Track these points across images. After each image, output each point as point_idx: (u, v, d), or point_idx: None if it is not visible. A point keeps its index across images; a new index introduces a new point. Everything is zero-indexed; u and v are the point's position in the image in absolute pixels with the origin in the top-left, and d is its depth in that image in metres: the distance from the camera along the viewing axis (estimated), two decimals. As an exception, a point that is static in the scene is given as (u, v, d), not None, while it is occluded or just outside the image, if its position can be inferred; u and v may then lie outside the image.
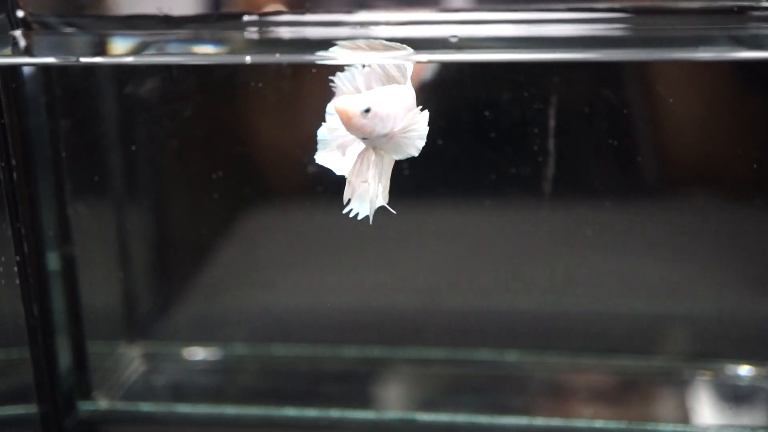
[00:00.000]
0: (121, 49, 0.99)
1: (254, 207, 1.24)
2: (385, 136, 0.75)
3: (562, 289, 1.14)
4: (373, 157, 0.77)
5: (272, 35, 0.99)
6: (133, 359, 1.26)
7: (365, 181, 0.77)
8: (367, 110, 0.74)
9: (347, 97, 0.76)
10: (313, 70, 1.06)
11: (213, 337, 1.28)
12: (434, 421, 1.12)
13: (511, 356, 1.22)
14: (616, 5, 0.94)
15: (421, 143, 0.76)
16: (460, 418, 1.12)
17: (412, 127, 0.75)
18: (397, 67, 0.78)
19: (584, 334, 1.18)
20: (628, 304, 1.17)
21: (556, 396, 1.18)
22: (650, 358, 1.20)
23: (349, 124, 0.74)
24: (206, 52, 1.00)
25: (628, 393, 1.17)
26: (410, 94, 0.78)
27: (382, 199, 0.78)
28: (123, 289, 1.26)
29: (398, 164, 0.80)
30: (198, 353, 1.27)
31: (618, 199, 1.10)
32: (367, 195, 0.77)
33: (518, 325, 1.22)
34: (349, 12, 0.97)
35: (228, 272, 1.28)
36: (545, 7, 0.94)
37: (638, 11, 0.94)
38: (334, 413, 1.14)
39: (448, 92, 0.77)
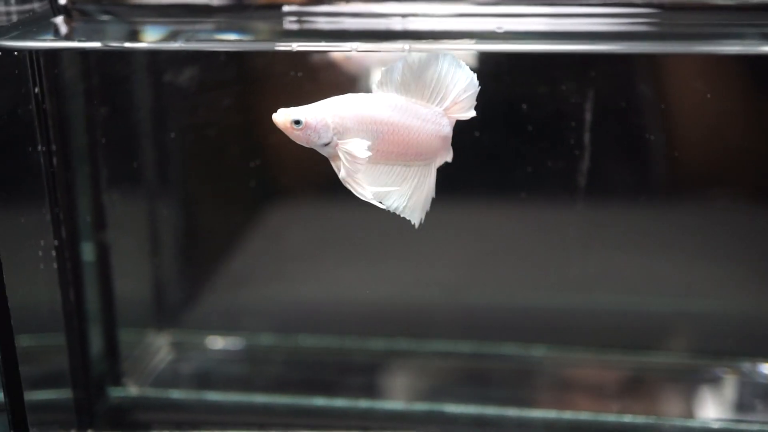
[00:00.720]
0: (156, 37, 1.00)
1: (286, 197, 1.25)
2: (328, 146, 0.75)
3: (594, 286, 1.14)
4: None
5: (312, 26, 1.00)
6: (161, 347, 1.27)
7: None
8: (297, 122, 0.74)
9: (283, 110, 0.75)
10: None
11: (240, 327, 1.28)
12: (463, 413, 1.12)
13: (538, 351, 1.22)
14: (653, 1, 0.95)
15: (364, 160, 0.74)
16: (489, 410, 1.12)
17: (353, 151, 0.75)
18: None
19: (613, 330, 1.19)
20: (658, 301, 1.18)
21: (584, 391, 1.18)
22: (677, 356, 1.20)
23: (288, 135, 0.75)
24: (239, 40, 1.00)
25: (654, 389, 1.18)
26: (378, 104, 0.76)
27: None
28: (153, 277, 1.27)
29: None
30: (225, 342, 1.28)
31: (653, 194, 1.11)
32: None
33: (546, 320, 1.22)
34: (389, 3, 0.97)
35: (256, 262, 1.29)
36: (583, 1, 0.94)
37: (672, 7, 0.95)
38: (363, 403, 1.15)
39: (484, 85, 0.78)
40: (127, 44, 0.97)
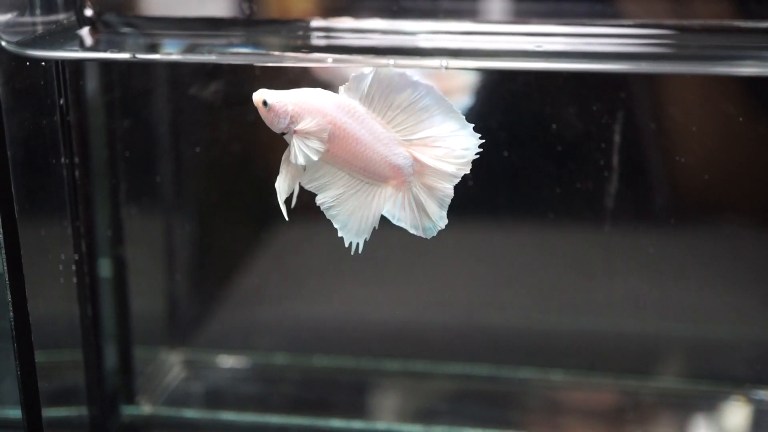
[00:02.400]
0: (179, 50, 0.99)
1: (303, 217, 1.23)
2: (285, 132, 0.77)
3: (620, 309, 1.13)
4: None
5: (338, 42, 0.99)
6: (173, 365, 1.25)
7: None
8: (265, 103, 0.77)
9: (261, 90, 0.78)
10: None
11: (252, 346, 1.27)
12: (482, 437, 1.11)
13: (556, 376, 1.21)
14: (684, 23, 0.95)
15: (314, 156, 0.76)
16: (509, 434, 1.11)
17: (309, 134, 0.76)
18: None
19: (637, 355, 1.18)
20: (684, 327, 1.17)
21: (599, 416, 1.17)
22: (695, 382, 1.19)
23: (262, 116, 0.78)
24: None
25: (670, 414, 1.17)
26: (339, 106, 0.77)
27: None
28: (167, 295, 1.25)
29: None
30: (237, 361, 1.26)
31: (682, 217, 1.10)
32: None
33: (565, 344, 1.21)
34: (419, 21, 0.97)
35: (270, 282, 1.27)
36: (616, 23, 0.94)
37: (700, 30, 0.95)
38: (381, 425, 1.13)
39: (514, 105, 0.77)
40: (158, 56, 0.96)
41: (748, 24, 0.96)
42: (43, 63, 0.92)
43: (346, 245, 0.79)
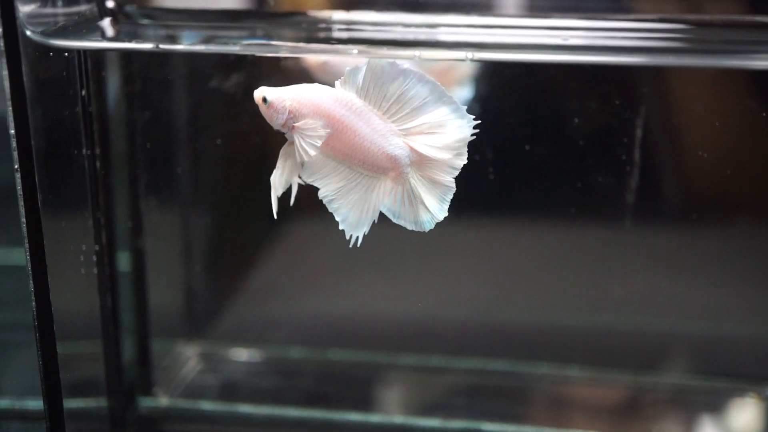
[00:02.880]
0: (198, 41, 0.99)
1: (321, 210, 1.23)
2: (285, 127, 0.78)
3: (639, 306, 1.13)
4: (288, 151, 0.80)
5: (360, 35, 0.99)
6: (190, 358, 1.25)
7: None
8: (265, 99, 0.78)
9: (261, 87, 0.79)
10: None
11: (268, 340, 1.26)
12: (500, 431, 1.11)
13: (573, 371, 1.21)
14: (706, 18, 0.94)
15: (314, 150, 0.77)
16: (527, 429, 1.11)
17: (309, 130, 0.77)
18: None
19: (655, 351, 1.17)
20: (703, 323, 1.16)
21: (618, 413, 1.17)
22: (712, 378, 1.19)
23: (263, 113, 0.79)
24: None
25: (686, 411, 1.17)
26: (336, 100, 0.78)
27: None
28: (184, 287, 1.25)
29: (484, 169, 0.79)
30: (253, 354, 1.26)
31: (705, 213, 1.09)
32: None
33: (583, 340, 1.21)
34: (442, 14, 0.97)
35: (285, 275, 1.27)
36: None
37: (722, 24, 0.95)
38: (398, 419, 1.13)
39: (535, 99, 0.77)
40: (181, 47, 0.96)
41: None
42: (66, 53, 0.92)
43: (347, 238, 0.79)
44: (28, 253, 0.85)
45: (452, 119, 0.76)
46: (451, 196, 0.78)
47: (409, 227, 0.80)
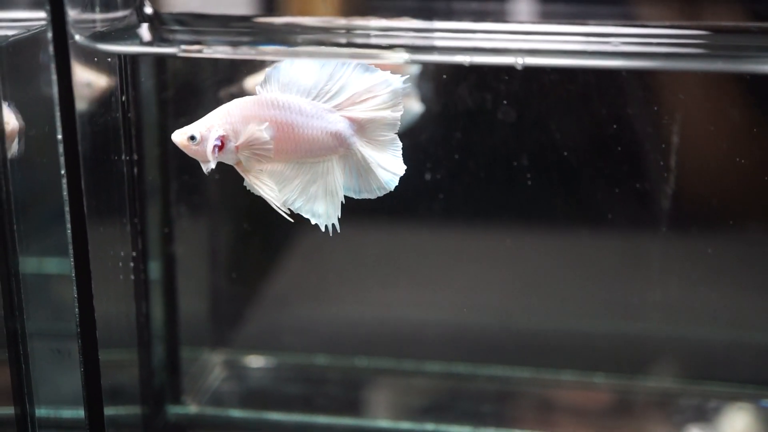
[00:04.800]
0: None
1: (350, 217, 1.23)
2: (225, 156, 0.78)
3: (675, 314, 1.13)
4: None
5: (400, 41, 0.99)
6: (215, 365, 1.25)
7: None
8: (192, 137, 0.78)
9: (179, 130, 0.79)
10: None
11: (293, 347, 1.26)
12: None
13: (599, 378, 1.21)
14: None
15: (268, 154, 0.78)
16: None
17: (254, 139, 0.77)
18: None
19: (693, 359, 1.18)
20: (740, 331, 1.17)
21: (644, 418, 1.18)
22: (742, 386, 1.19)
23: (191, 154, 0.79)
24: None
25: (714, 418, 1.17)
26: (261, 105, 0.78)
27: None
28: (210, 295, 1.25)
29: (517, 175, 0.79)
30: (278, 362, 1.26)
31: (742, 220, 1.10)
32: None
33: (610, 347, 1.21)
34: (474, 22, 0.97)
35: (310, 284, 1.27)
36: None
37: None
38: (429, 426, 1.13)
39: (573, 105, 0.77)
40: (228, 49, 0.95)
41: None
42: (108, 59, 0.91)
43: (323, 230, 0.81)
44: (72, 260, 0.85)
45: (379, 81, 0.78)
46: (401, 150, 0.80)
47: (375, 195, 0.81)
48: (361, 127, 0.79)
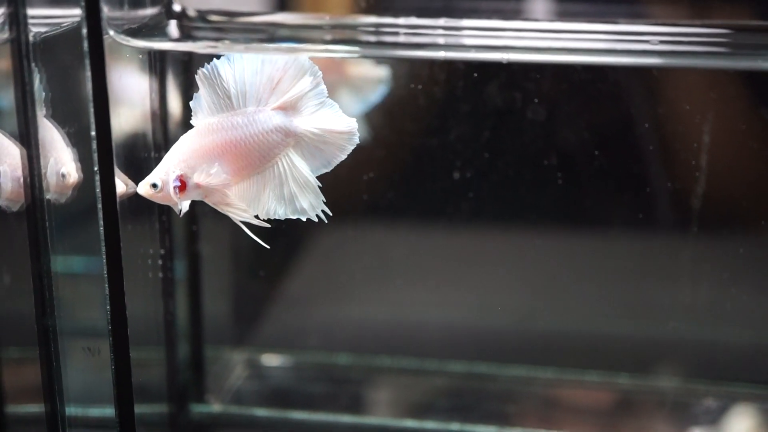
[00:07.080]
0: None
1: (374, 217, 1.23)
2: (191, 194, 0.80)
3: (702, 316, 1.12)
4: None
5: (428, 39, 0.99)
6: (237, 364, 1.24)
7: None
8: (154, 185, 0.79)
9: (141, 182, 0.80)
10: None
11: (314, 346, 1.26)
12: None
13: (622, 379, 1.20)
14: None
15: (230, 180, 0.79)
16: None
17: (210, 176, 0.78)
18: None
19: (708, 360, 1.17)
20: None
21: (667, 419, 1.17)
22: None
23: (161, 201, 0.80)
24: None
25: (739, 418, 1.16)
26: (199, 135, 0.79)
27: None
28: (231, 294, 1.24)
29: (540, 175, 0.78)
30: (299, 361, 1.25)
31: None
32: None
33: (631, 348, 1.21)
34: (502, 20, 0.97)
35: (334, 283, 1.26)
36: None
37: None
38: (454, 426, 1.13)
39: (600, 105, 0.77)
40: (269, 44, 0.95)
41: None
42: (140, 56, 0.91)
43: (316, 220, 0.81)
44: (104, 257, 0.84)
45: (291, 63, 0.78)
46: (339, 108, 0.80)
47: (343, 158, 0.80)
48: (293, 108, 0.79)
